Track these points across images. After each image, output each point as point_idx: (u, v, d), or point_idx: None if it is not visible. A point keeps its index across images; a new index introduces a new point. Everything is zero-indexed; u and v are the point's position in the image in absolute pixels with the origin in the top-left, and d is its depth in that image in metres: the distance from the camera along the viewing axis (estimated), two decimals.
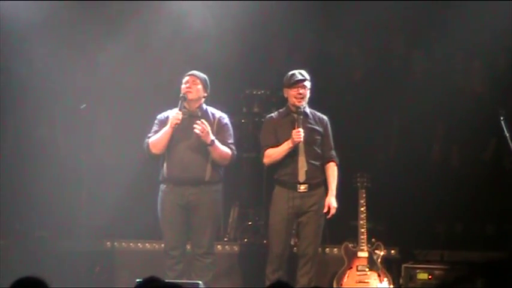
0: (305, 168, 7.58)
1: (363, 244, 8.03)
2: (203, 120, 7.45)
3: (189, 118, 7.59)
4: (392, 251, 8.47)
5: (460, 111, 9.01)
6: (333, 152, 7.73)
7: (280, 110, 7.82)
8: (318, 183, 7.64)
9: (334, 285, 8.04)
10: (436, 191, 8.95)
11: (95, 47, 9.28)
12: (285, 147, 7.57)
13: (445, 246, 8.79)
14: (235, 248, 8.75)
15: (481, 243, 8.83)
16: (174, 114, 7.53)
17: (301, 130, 7.52)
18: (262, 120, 8.52)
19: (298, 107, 7.59)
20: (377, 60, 9.68)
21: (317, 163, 7.65)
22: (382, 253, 8.08)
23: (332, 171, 7.70)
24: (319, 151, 7.67)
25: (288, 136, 7.53)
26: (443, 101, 9.08)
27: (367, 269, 8.01)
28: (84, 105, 8.50)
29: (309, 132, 7.61)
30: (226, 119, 7.74)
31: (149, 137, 7.65)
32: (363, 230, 8.05)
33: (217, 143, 7.49)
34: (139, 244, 8.93)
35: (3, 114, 9.19)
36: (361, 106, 9.30)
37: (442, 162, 9.32)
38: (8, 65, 9.07)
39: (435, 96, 9.06)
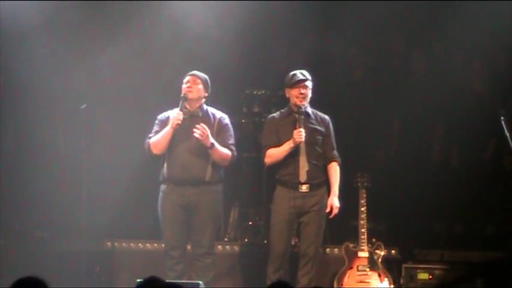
0: (306, 168, 7.58)
1: (364, 244, 8.03)
2: (203, 124, 7.44)
3: (190, 118, 7.59)
4: (393, 251, 8.47)
5: (460, 111, 9.01)
6: (335, 152, 7.73)
7: (282, 110, 7.82)
8: (320, 183, 7.64)
9: (335, 285, 8.04)
10: (436, 191, 8.95)
11: (95, 47, 9.27)
12: (286, 147, 7.57)
13: (445, 246, 8.80)
14: (236, 248, 8.75)
15: (481, 243, 8.84)
16: (174, 115, 7.53)
17: (302, 130, 7.51)
18: (263, 120, 8.54)
19: (299, 107, 7.59)
20: (377, 60, 9.69)
21: (318, 163, 7.65)
22: (382, 253, 8.08)
23: (334, 171, 7.69)
24: (320, 151, 7.67)
25: (290, 136, 7.53)
26: (443, 101, 9.08)
27: (367, 269, 8.01)
28: (84, 105, 8.49)
29: (311, 132, 7.61)
30: (226, 119, 7.74)
31: (150, 138, 7.65)
32: (363, 230, 8.05)
33: (217, 145, 7.49)
34: (139, 244, 8.93)
35: (3, 114, 9.19)
36: (361, 106, 9.30)
37: (442, 162, 9.32)
38: (8, 65, 9.07)
39: (435, 96, 9.06)
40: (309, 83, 7.64)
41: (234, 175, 8.51)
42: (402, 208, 8.90)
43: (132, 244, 8.96)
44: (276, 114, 7.84)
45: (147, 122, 7.85)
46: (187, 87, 7.60)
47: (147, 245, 8.88)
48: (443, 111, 9.17)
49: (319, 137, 7.68)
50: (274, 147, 7.63)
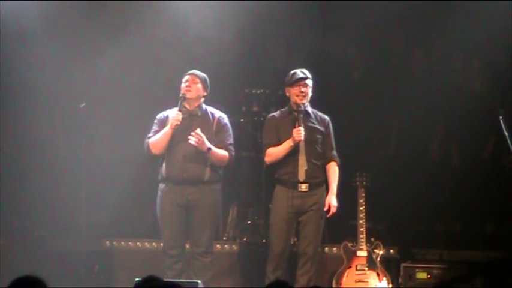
0: (305, 167, 7.59)
1: (362, 243, 8.04)
2: (197, 131, 7.45)
3: (189, 117, 7.61)
4: (392, 251, 8.48)
5: (459, 111, 9.01)
6: (334, 152, 7.75)
7: (282, 110, 7.84)
8: (319, 182, 7.65)
9: (333, 285, 8.04)
10: (436, 190, 8.96)
11: (95, 47, 9.27)
12: (286, 146, 7.58)
13: (444, 246, 8.80)
14: (235, 247, 8.76)
15: (480, 242, 8.83)
16: (173, 115, 7.54)
17: (301, 129, 7.53)
18: (262, 119, 8.55)
19: (299, 105, 7.60)
20: (376, 59, 9.69)
21: (318, 162, 7.66)
22: (381, 252, 8.08)
23: (333, 171, 7.71)
24: (320, 150, 7.68)
25: (290, 135, 7.55)
26: (442, 100, 9.09)
27: (366, 268, 8.01)
28: (83, 104, 8.49)
29: (310, 131, 7.63)
30: (225, 119, 7.75)
31: (149, 138, 7.66)
32: (362, 229, 8.06)
33: (213, 148, 7.51)
34: (138, 243, 8.94)
35: (2, 114, 9.19)
36: (360, 105, 9.30)
37: (441, 162, 9.32)
38: (7, 65, 9.07)
39: (434, 95, 9.06)
40: (310, 82, 7.66)
41: (233, 174, 8.52)
42: (401, 207, 8.90)
43: (131, 243, 8.97)
44: (276, 114, 7.86)
45: (147, 122, 7.85)
46: (186, 86, 7.61)
47: (146, 244, 8.89)
48: (442, 110, 9.18)
49: (319, 136, 7.69)
50: (274, 146, 7.64)
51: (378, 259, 8.05)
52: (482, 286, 7.85)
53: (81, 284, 8.22)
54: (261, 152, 7.83)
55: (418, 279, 8.21)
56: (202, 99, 7.70)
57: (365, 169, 8.31)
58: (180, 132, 7.52)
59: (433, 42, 9.53)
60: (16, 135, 9.41)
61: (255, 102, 9.06)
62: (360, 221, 8.07)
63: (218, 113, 7.74)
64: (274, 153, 7.64)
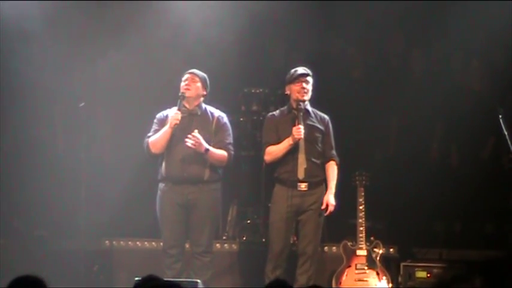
0: (304, 166, 7.59)
1: (362, 242, 8.04)
2: (194, 133, 7.45)
3: (189, 117, 7.61)
4: (391, 250, 8.48)
5: (459, 110, 9.00)
6: (334, 152, 7.76)
7: (282, 109, 7.85)
8: (318, 181, 7.66)
9: (333, 284, 8.04)
10: (435, 189, 8.95)
11: (95, 47, 9.27)
12: (285, 144, 7.58)
13: (444, 245, 8.80)
14: (234, 247, 8.76)
15: (480, 241, 8.83)
16: (173, 114, 7.54)
17: (301, 127, 7.53)
18: (261, 118, 8.55)
19: (301, 102, 7.60)
20: (376, 59, 9.69)
21: (317, 161, 7.66)
22: (381, 251, 8.08)
23: (332, 170, 7.72)
24: (319, 149, 7.68)
25: (289, 134, 7.56)
26: (442, 99, 9.08)
27: (366, 268, 8.01)
28: (82, 104, 8.49)
29: (310, 130, 7.63)
30: (225, 118, 7.75)
31: (149, 137, 7.66)
32: (361, 228, 8.06)
33: (211, 149, 7.51)
34: (138, 243, 8.94)
35: (2, 113, 9.19)
36: (360, 105, 9.30)
37: (441, 161, 9.32)
38: (7, 64, 9.07)
39: (434, 94, 9.06)
40: (311, 79, 7.67)
41: (232, 174, 8.51)
42: (401, 207, 8.90)
43: (130, 243, 8.97)
44: (275, 113, 7.87)
45: (146, 121, 7.85)
46: (186, 85, 7.62)
47: (146, 243, 8.89)
48: (442, 110, 9.17)
49: (319, 135, 7.69)
50: (274, 144, 7.64)
51: (378, 258, 8.05)
52: (481, 285, 7.86)
53: (80, 283, 8.22)
54: (261, 151, 7.83)
55: (418, 278, 8.21)
56: (202, 99, 7.70)
57: (365, 168, 8.31)
58: (180, 132, 7.53)
59: (432, 41, 9.52)
60: (15, 134, 9.40)
61: (255, 102, 9.06)
62: (360, 220, 8.07)
63: (217, 112, 7.74)
64: (273, 151, 7.65)
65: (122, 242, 8.99)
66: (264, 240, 8.47)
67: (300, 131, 7.52)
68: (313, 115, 7.75)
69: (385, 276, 8.00)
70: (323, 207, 7.59)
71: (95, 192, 8.65)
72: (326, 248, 8.54)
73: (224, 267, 8.54)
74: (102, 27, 9.28)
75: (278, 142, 7.63)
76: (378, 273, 7.99)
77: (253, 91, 9.08)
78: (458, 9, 8.89)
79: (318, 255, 7.95)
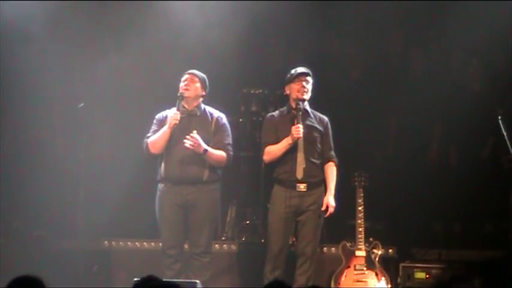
0: (303, 166, 7.59)
1: (361, 243, 8.03)
2: (193, 134, 7.45)
3: (188, 117, 7.61)
4: (390, 250, 8.48)
5: (458, 111, 9.00)
6: (333, 153, 7.76)
7: (281, 109, 7.86)
8: (317, 182, 7.65)
9: (332, 285, 8.04)
10: (434, 190, 8.95)
11: (95, 47, 9.27)
12: (284, 144, 7.59)
13: (443, 246, 8.80)
14: (233, 247, 8.75)
15: (479, 242, 8.83)
16: (172, 114, 7.54)
17: (300, 126, 7.54)
18: (260, 119, 8.55)
19: (301, 101, 7.60)
20: (375, 59, 9.68)
21: (316, 161, 7.66)
22: (380, 252, 8.08)
23: (331, 171, 7.72)
24: (318, 150, 7.68)
25: (288, 134, 7.56)
26: (441, 100, 9.08)
27: (365, 268, 8.01)
28: (82, 104, 8.49)
29: (309, 130, 7.64)
30: (224, 119, 7.75)
31: (148, 137, 7.66)
32: (360, 229, 8.05)
33: (210, 150, 7.51)
34: (137, 243, 8.94)
35: (1, 114, 9.18)
36: (359, 105, 9.30)
37: (440, 161, 9.32)
38: (6, 65, 9.06)
39: (433, 95, 9.06)
40: (311, 79, 7.68)
41: (231, 174, 8.51)
42: (400, 207, 8.90)
43: (129, 243, 8.96)
44: (274, 113, 7.89)
45: (145, 122, 7.85)
46: (185, 85, 7.62)
47: (145, 244, 8.89)
48: (441, 110, 9.17)
49: (318, 135, 7.69)
50: (273, 144, 7.64)
51: (377, 259, 8.05)
52: (481, 286, 7.85)
53: (79, 283, 8.23)
54: (260, 152, 7.83)
55: (417, 279, 8.21)
56: (201, 99, 7.70)
57: (364, 169, 8.31)
58: (179, 132, 7.52)
59: (431, 41, 9.53)
60: (15, 135, 9.41)
61: (254, 102, 9.06)
62: (359, 221, 8.06)
63: (217, 113, 7.74)
64: (272, 151, 7.65)
65: (121, 243, 8.98)
66: (263, 241, 8.46)
67: (299, 130, 7.52)
68: (312, 115, 7.75)
69: (384, 277, 8.00)
70: (323, 208, 7.59)
71: (94, 192, 8.65)
72: (325, 248, 8.54)
73: (223, 267, 8.54)
74: (102, 28, 9.28)
75: (277, 142, 7.64)
76: (376, 274, 7.99)
77: (252, 92, 9.08)
78: (458, 10, 8.90)
79: (317, 256, 7.95)
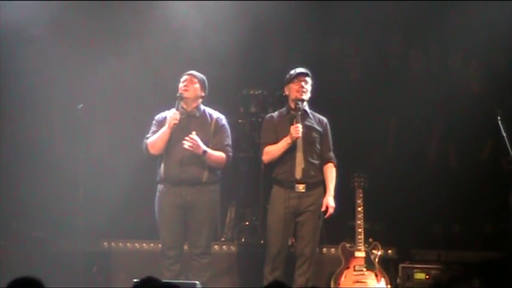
0: (302, 166, 7.59)
1: (360, 244, 8.03)
2: (192, 135, 7.44)
3: (187, 118, 7.61)
4: (390, 251, 8.48)
5: (458, 111, 9.00)
6: (332, 154, 7.77)
7: (280, 110, 7.87)
8: (316, 183, 7.66)
9: (332, 285, 8.04)
10: (434, 190, 8.95)
11: (94, 48, 9.27)
12: (283, 144, 7.59)
13: (442, 246, 8.80)
14: (233, 248, 8.75)
15: (478, 243, 8.82)
16: (171, 115, 7.53)
17: (299, 125, 7.54)
18: (260, 120, 8.55)
19: (300, 101, 7.60)
20: (374, 59, 9.69)
21: (315, 162, 7.67)
22: (379, 253, 8.08)
23: (330, 172, 7.72)
24: (317, 150, 7.68)
25: (287, 135, 7.56)
26: (440, 100, 9.08)
27: (364, 269, 8.01)
28: (81, 105, 8.49)
29: (308, 130, 7.65)
30: (223, 120, 7.75)
31: (147, 138, 7.65)
32: (360, 230, 8.05)
33: (209, 151, 7.50)
34: (136, 244, 8.93)
35: (0, 114, 9.18)
36: (358, 106, 9.30)
37: (439, 162, 9.32)
38: (5, 66, 9.06)
39: (432, 96, 9.06)
40: (310, 80, 7.68)
41: (231, 175, 8.51)
42: (399, 208, 8.90)
43: (129, 244, 8.96)
44: (274, 114, 7.90)
45: (145, 123, 7.86)
46: (184, 86, 7.62)
47: (144, 245, 8.89)
48: (440, 111, 9.18)
49: (317, 136, 7.70)
50: (272, 144, 7.64)
51: (376, 260, 8.04)
52: (480, 286, 7.85)
53: (79, 285, 8.22)
54: (259, 153, 7.83)
55: (416, 279, 8.20)
56: (200, 100, 7.70)
57: (363, 170, 8.31)
58: (178, 133, 7.52)
59: (430, 42, 9.53)
60: (14, 136, 9.39)
61: (253, 103, 9.06)
62: (358, 222, 8.06)
63: (216, 114, 7.74)
64: (271, 151, 7.65)
65: (120, 244, 8.98)
66: (262, 241, 8.46)
67: (298, 129, 7.53)
68: (311, 116, 7.76)
69: (384, 277, 8.00)
70: (323, 209, 7.59)
71: (94, 193, 8.65)
72: (324, 249, 8.54)
73: (222, 268, 8.54)
74: (102, 29, 9.28)
75: (276, 143, 7.64)
76: (376, 275, 7.99)
77: (251, 93, 9.08)
78: (457, 10, 8.90)
79: (317, 257, 7.96)
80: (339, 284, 8.01)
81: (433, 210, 8.98)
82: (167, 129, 7.53)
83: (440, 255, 8.62)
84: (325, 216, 7.63)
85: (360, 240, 8.03)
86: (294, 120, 7.59)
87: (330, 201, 7.60)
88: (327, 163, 7.72)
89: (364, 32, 9.47)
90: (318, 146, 7.71)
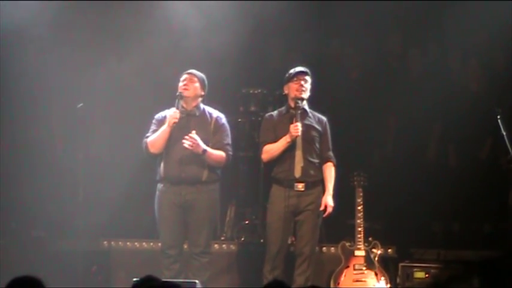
0: (301, 164, 7.60)
1: (360, 243, 8.04)
2: (191, 134, 7.45)
3: (187, 117, 7.61)
4: (390, 250, 8.48)
5: (457, 110, 9.01)
6: (331, 153, 7.77)
7: (280, 109, 7.87)
8: (315, 182, 7.66)
9: (331, 285, 8.04)
10: (433, 189, 8.96)
11: (94, 48, 9.27)
12: (283, 142, 7.59)
13: (442, 245, 8.80)
14: (232, 247, 8.75)
15: (478, 242, 8.83)
16: (171, 114, 7.54)
17: (299, 124, 7.55)
18: (259, 119, 8.55)
19: (299, 99, 7.60)
20: (374, 59, 9.69)
21: (314, 161, 7.67)
22: (379, 252, 8.08)
23: (329, 171, 7.72)
24: (317, 149, 7.69)
25: (287, 133, 7.57)
26: (440, 100, 9.09)
27: (364, 268, 8.01)
28: (80, 104, 8.50)
29: (307, 129, 7.65)
30: (223, 119, 7.75)
31: (147, 137, 7.66)
32: (360, 228, 8.05)
33: (209, 150, 7.51)
34: (136, 243, 8.93)
35: (0, 114, 9.18)
36: (358, 105, 9.30)
37: (438, 161, 9.32)
38: (5, 65, 9.06)
39: (432, 95, 9.06)
40: (309, 78, 7.69)
41: (230, 174, 8.52)
42: (399, 207, 8.91)
43: (128, 243, 8.96)
44: (273, 113, 7.90)
45: (145, 122, 7.86)
46: (184, 85, 7.62)
47: (144, 244, 8.88)
48: (440, 110, 9.18)
49: (316, 135, 7.70)
50: (271, 143, 7.65)
51: (376, 259, 8.05)
52: (480, 286, 7.84)
53: (79, 284, 8.23)
54: (259, 152, 7.83)
55: (416, 278, 8.20)
56: (200, 99, 7.70)
57: (363, 169, 8.31)
58: (178, 132, 7.52)
59: (430, 42, 9.53)
60: (13, 135, 9.39)
61: (253, 102, 9.06)
62: (358, 221, 8.06)
63: (216, 113, 7.74)
64: (271, 149, 7.65)
65: (120, 243, 8.98)
66: (262, 240, 8.46)
67: (297, 128, 7.53)
68: (311, 115, 7.76)
69: (384, 276, 8.00)
70: (321, 208, 7.59)
71: (93, 192, 8.66)
72: (324, 248, 8.54)
73: (222, 267, 8.54)
74: (101, 29, 9.28)
75: (275, 141, 7.64)
76: (376, 274, 7.99)
77: (251, 92, 9.07)
78: (457, 10, 8.90)
79: (316, 256, 7.96)
80: (338, 283, 8.01)
81: (432, 209, 8.99)
82: (167, 128, 7.53)
83: (440, 254, 8.62)
84: (324, 216, 7.63)
85: (360, 239, 8.04)
86: (294, 119, 7.59)
87: (328, 200, 7.61)
88: (326, 162, 7.73)
89: (364, 32, 9.47)
90: (318, 145, 7.71)
